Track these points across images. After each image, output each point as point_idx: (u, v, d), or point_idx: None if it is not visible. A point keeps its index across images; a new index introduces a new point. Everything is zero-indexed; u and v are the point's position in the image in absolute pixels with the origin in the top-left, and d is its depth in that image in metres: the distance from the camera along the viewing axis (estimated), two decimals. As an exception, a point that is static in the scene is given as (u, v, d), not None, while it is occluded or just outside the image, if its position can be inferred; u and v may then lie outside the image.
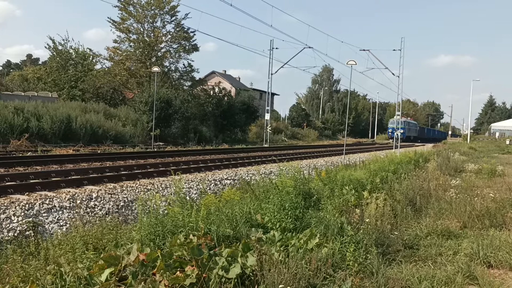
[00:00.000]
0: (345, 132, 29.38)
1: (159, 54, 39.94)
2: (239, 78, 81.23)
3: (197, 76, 43.28)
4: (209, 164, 16.45)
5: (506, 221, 7.80)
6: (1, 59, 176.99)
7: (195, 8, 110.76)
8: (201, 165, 16.18)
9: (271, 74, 39.75)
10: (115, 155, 18.48)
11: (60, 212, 8.12)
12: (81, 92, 38.87)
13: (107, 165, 14.93)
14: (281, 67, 41.36)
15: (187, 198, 7.91)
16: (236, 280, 4.18)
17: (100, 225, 6.33)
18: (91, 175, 11.94)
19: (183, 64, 41.50)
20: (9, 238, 6.76)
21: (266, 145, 36.58)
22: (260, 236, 5.45)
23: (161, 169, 14.21)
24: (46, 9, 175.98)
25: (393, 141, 60.59)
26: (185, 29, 39.56)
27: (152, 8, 38.11)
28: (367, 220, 6.78)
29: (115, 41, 38.98)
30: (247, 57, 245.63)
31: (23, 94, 37.38)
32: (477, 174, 15.45)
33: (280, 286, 4.09)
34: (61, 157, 16.23)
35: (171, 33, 39.72)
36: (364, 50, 37.37)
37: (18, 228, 7.15)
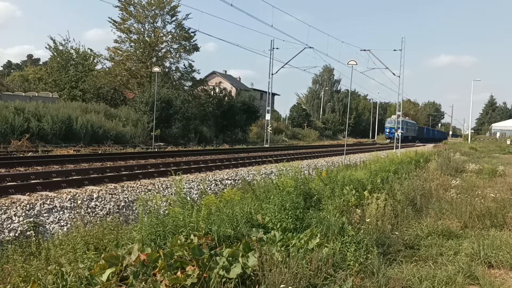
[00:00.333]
0: (346, 132, 29.34)
1: (160, 54, 39.97)
2: (240, 78, 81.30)
3: (197, 76, 43.35)
4: (210, 164, 16.45)
5: (507, 221, 7.79)
6: (2, 60, 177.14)
7: (196, 8, 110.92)
8: (201, 165, 16.18)
9: (272, 74, 39.79)
10: (115, 155, 18.49)
11: (61, 212, 8.12)
12: (82, 93, 38.91)
13: (108, 165, 14.93)
14: (282, 67, 41.36)
15: (188, 198, 7.91)
16: (237, 280, 4.19)
17: (101, 225, 6.34)
18: (92, 175, 11.94)
19: (184, 64, 41.63)
20: (10, 238, 6.77)
21: (266, 145, 36.58)
22: (261, 236, 5.46)
23: (161, 169, 14.21)
24: (47, 10, 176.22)
25: (390, 141, 60.21)
26: (186, 29, 39.60)
27: (153, 8, 38.12)
28: (367, 220, 6.78)
29: (115, 41, 39.05)
30: (247, 57, 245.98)
31: (23, 94, 37.45)
32: (478, 174, 15.45)
33: (281, 286, 4.10)
34: (62, 158, 16.23)
35: (171, 33, 39.77)
36: (364, 50, 37.33)
37: (19, 228, 7.15)
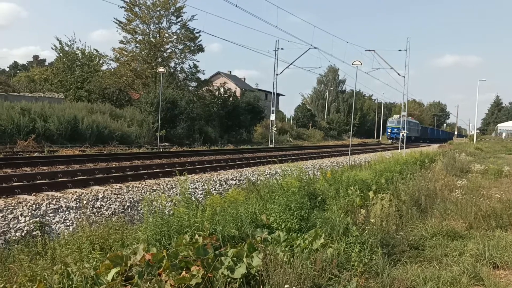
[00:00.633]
0: (351, 132, 29.26)
1: (165, 55, 40.05)
2: (244, 79, 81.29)
3: (202, 77, 43.36)
4: (215, 165, 16.48)
5: (513, 221, 7.77)
6: (8, 60, 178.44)
7: (201, 9, 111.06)
8: (206, 165, 16.21)
9: (277, 74, 39.77)
10: (121, 155, 18.56)
11: (67, 212, 8.17)
12: (87, 93, 39.06)
13: (113, 165, 14.99)
14: (287, 67, 41.41)
15: (193, 198, 7.93)
16: (241, 280, 4.20)
17: (107, 225, 6.37)
18: (97, 176, 11.99)
19: (189, 65, 41.61)
20: (16, 238, 6.82)
21: (271, 146, 36.57)
22: (266, 237, 5.47)
23: (166, 169, 14.25)
24: (52, 11, 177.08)
25: (392, 142, 59.68)
26: (191, 30, 39.66)
27: (158, 9, 38.21)
28: (372, 221, 6.78)
29: (121, 42, 39.17)
30: (252, 57, 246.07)
31: (29, 95, 37.62)
32: (483, 175, 15.38)
33: (286, 286, 4.11)
34: (68, 158, 16.31)
35: (176, 34, 39.84)
36: (369, 50, 37.18)
37: (25, 228, 7.20)
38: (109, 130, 27.56)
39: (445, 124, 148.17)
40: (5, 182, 10.17)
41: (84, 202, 8.70)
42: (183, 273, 4.08)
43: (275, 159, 19.97)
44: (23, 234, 7.04)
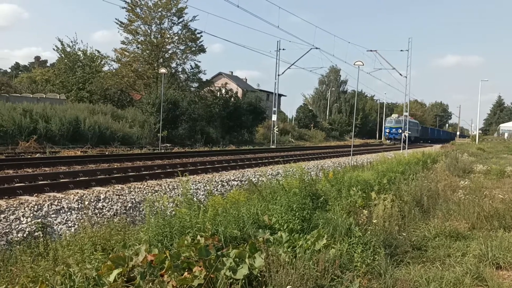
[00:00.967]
0: (353, 133, 29.23)
1: (166, 55, 40.07)
2: (246, 79, 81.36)
3: (204, 77, 43.38)
4: (216, 165, 16.47)
5: (516, 222, 7.74)
6: (10, 61, 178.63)
7: (202, 9, 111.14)
8: (208, 166, 16.20)
9: (278, 75, 39.78)
10: (122, 156, 18.56)
11: (69, 213, 8.17)
12: (89, 94, 39.09)
13: (115, 166, 14.99)
14: (288, 68, 41.33)
15: (194, 199, 7.92)
16: (243, 281, 4.19)
17: (108, 226, 6.36)
18: (99, 177, 12.00)
19: (190, 66, 41.62)
20: (18, 239, 6.81)
21: (273, 146, 36.57)
22: (268, 237, 5.46)
23: (168, 170, 14.25)
24: (53, 12, 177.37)
25: (391, 142, 58.89)
26: (192, 31, 39.67)
27: (159, 10, 38.23)
28: (374, 221, 6.77)
29: (122, 43, 39.19)
30: (254, 58, 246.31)
31: (31, 96, 37.71)
32: (486, 175, 15.35)
33: (288, 287, 4.10)
34: (69, 159, 16.31)
35: (178, 34, 39.85)
36: (371, 50, 37.18)
37: (27, 229, 7.20)
38: (110, 131, 27.56)
39: (447, 125, 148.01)
40: (7, 183, 10.17)
41: (86, 203, 8.70)
42: (185, 274, 4.08)
43: (277, 159, 20.00)
44: (25, 235, 7.04)
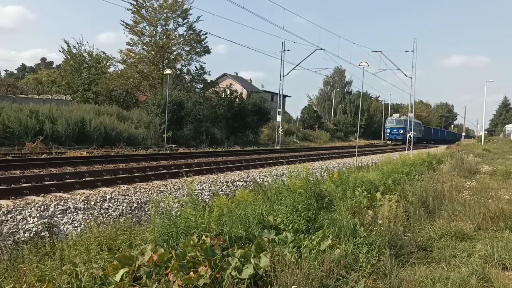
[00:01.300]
0: (357, 133, 29.19)
1: (171, 56, 40.17)
2: (251, 80, 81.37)
3: (208, 78, 43.42)
4: (221, 166, 16.49)
5: (521, 223, 7.71)
6: (16, 63, 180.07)
7: (207, 10, 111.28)
8: (213, 167, 16.23)
9: (283, 76, 39.75)
10: (128, 157, 18.63)
11: (75, 213, 8.21)
12: (95, 95, 39.27)
13: (120, 167, 15.05)
14: (293, 69, 41.28)
15: (200, 199, 7.95)
16: (249, 280, 4.21)
17: (114, 226, 6.40)
18: (104, 177, 12.05)
19: (195, 67, 41.70)
20: (25, 238, 6.86)
21: (277, 147, 36.56)
22: (273, 237, 5.47)
23: (173, 170, 14.28)
24: (59, 13, 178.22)
25: (391, 143, 57.85)
26: (197, 32, 39.75)
27: (165, 11, 38.33)
28: (379, 222, 6.76)
29: (128, 44, 39.32)
30: (258, 59, 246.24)
31: (37, 97, 37.88)
32: (492, 176, 15.29)
33: (293, 286, 4.11)
34: (75, 159, 16.39)
35: (183, 35, 39.93)
36: (376, 51, 37.01)
37: (34, 229, 7.24)
38: (116, 132, 27.67)
39: (452, 125, 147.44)
40: (13, 184, 10.25)
41: (92, 203, 8.74)
42: (191, 273, 4.10)
43: (281, 160, 20.00)
44: (31, 235, 7.08)
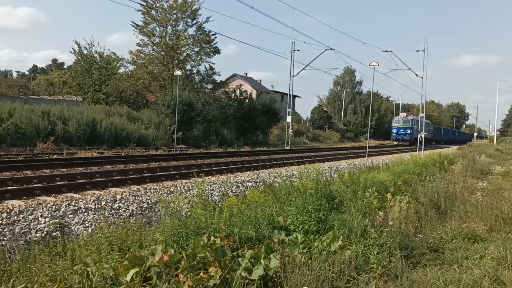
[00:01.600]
0: (368, 134, 29.08)
1: (181, 57, 40.28)
2: (260, 81, 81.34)
3: (218, 79, 43.48)
4: (231, 167, 16.50)
5: (535, 224, 7.61)
6: (28, 64, 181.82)
7: (217, 11, 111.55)
8: (223, 167, 16.24)
9: (293, 76, 39.71)
10: (138, 157, 18.72)
11: (86, 213, 8.26)
12: (105, 96, 39.50)
13: (131, 167, 15.13)
14: (303, 69, 41.39)
15: (210, 200, 7.96)
16: (259, 281, 4.19)
17: (125, 226, 6.42)
18: (115, 177, 12.11)
19: (205, 67, 41.78)
20: (36, 238, 6.91)
21: (287, 148, 36.51)
22: (283, 238, 5.46)
23: (183, 171, 14.31)
24: (71, 15, 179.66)
25: (398, 144, 56.45)
26: (207, 32, 39.83)
27: (174, 12, 38.46)
28: (390, 223, 6.72)
29: (138, 45, 39.49)
30: (268, 59, 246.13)
31: (49, 98, 38.23)
32: (504, 177, 15.11)
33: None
34: (86, 160, 16.51)
35: (193, 36, 40.03)
36: (386, 51, 36.85)
37: (45, 229, 7.30)
38: (126, 133, 27.80)
39: (464, 126, 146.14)
40: (25, 184, 10.34)
41: (103, 203, 8.79)
42: (201, 274, 4.10)
43: (291, 161, 19.95)
44: (43, 235, 7.14)
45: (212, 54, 40.96)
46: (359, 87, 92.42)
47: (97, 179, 11.61)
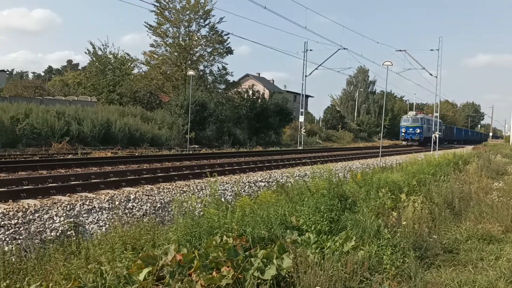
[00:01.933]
0: (381, 134, 28.88)
1: (194, 57, 40.44)
2: (273, 81, 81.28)
3: (231, 79, 43.58)
4: (244, 167, 16.52)
5: (552, 225, 7.49)
6: (43, 65, 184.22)
7: (230, 11, 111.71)
8: (235, 167, 16.27)
9: (305, 76, 39.59)
10: (151, 157, 18.84)
11: (100, 212, 8.34)
12: (119, 96, 39.81)
13: (144, 167, 15.23)
14: (316, 68, 41.17)
15: (222, 199, 7.97)
16: (271, 281, 4.19)
17: (138, 225, 6.46)
18: (129, 177, 12.20)
19: (218, 67, 41.90)
20: (51, 237, 7.00)
21: (300, 148, 36.43)
22: (295, 238, 5.45)
23: (196, 171, 14.36)
24: (85, 16, 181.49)
25: (407, 143, 54.85)
26: (219, 33, 39.92)
27: (187, 12, 38.62)
28: (404, 223, 6.66)
29: (151, 46, 39.76)
30: (281, 59, 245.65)
31: (64, 98, 38.65)
32: (521, 177, 14.88)
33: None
34: (100, 160, 16.65)
35: (205, 36, 40.17)
36: (400, 50, 36.54)
37: (60, 228, 7.38)
38: (140, 133, 28.00)
39: (479, 125, 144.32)
40: (40, 183, 10.48)
41: (116, 203, 8.87)
42: (214, 273, 4.11)
43: (304, 161, 19.92)
44: (58, 234, 7.22)
45: (225, 54, 41.08)
46: (372, 86, 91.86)
47: (111, 179, 11.71)
